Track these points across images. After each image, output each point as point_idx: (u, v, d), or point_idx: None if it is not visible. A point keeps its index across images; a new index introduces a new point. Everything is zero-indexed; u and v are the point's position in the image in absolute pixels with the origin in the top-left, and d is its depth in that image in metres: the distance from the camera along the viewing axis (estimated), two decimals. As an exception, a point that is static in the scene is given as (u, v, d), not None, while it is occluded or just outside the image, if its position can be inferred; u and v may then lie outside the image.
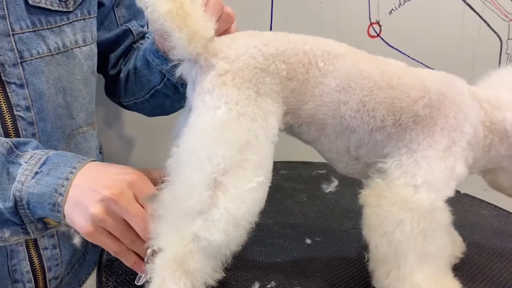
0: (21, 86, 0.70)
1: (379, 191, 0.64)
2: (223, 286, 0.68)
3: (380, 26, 1.25)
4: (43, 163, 0.62)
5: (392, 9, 1.23)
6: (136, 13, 0.90)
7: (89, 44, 0.79)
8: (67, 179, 0.61)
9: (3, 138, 0.64)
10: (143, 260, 0.62)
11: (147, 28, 0.94)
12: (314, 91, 0.64)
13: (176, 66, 0.64)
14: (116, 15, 0.88)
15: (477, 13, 1.25)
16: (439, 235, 0.64)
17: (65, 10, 0.73)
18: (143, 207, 0.60)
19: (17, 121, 0.70)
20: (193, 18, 0.57)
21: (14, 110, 0.70)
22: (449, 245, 0.67)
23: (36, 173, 0.62)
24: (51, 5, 0.71)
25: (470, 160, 0.65)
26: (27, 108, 0.71)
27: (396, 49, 1.26)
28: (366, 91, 0.63)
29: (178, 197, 0.59)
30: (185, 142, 0.60)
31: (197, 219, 0.58)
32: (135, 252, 0.62)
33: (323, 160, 0.74)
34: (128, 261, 0.62)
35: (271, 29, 1.22)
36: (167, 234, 0.59)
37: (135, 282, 0.64)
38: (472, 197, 1.06)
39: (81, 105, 0.79)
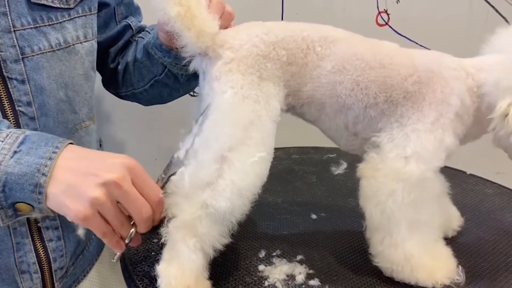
0: (22, 81, 0.71)
1: (374, 164, 0.69)
2: (233, 252, 0.75)
3: (388, 14, 1.29)
4: (21, 142, 0.61)
5: (400, -2, 1.27)
6: (133, 11, 0.95)
7: (90, 40, 0.81)
8: (50, 158, 0.59)
9: None
10: (123, 240, 0.64)
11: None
12: (312, 73, 0.69)
13: (179, 60, 0.72)
14: (116, 13, 0.92)
15: (485, -1, 1.28)
16: (429, 204, 0.69)
17: (66, 7, 0.75)
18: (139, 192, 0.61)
19: (19, 116, 0.71)
20: (199, 18, 0.64)
21: (16, 106, 0.70)
22: (439, 214, 0.72)
23: (15, 152, 0.60)
24: (52, 2, 0.73)
25: (459, 130, 0.68)
26: (28, 104, 0.72)
27: (405, 36, 1.30)
28: (359, 71, 0.68)
29: (190, 172, 0.66)
30: (198, 126, 0.67)
31: (206, 190, 0.64)
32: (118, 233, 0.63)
33: (334, 145, 0.79)
34: (111, 241, 0.63)
35: (282, 20, 1.28)
36: (180, 203, 0.65)
37: (113, 260, 0.65)
38: (478, 177, 1.09)
39: (83, 100, 0.80)
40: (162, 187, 0.66)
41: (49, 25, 0.73)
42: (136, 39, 0.93)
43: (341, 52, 0.69)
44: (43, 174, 0.59)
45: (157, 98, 0.94)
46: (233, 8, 0.73)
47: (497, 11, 1.29)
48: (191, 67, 0.71)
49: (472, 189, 1.04)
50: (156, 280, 0.64)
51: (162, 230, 0.65)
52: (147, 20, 0.98)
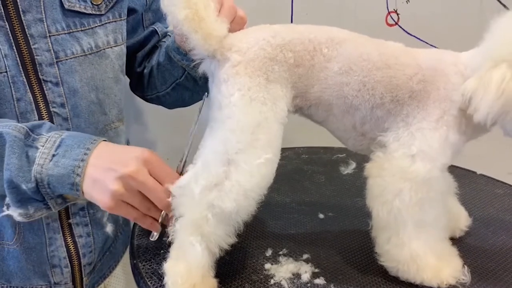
0: (56, 84, 0.76)
1: (380, 163, 0.70)
2: (239, 251, 0.75)
3: (398, 14, 1.28)
4: (58, 146, 0.67)
5: (410, -2, 1.27)
6: (160, 17, 0.97)
7: (119, 45, 0.85)
8: (82, 160, 0.67)
9: (18, 124, 0.69)
10: (157, 221, 0.71)
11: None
12: (319, 75, 0.70)
13: (197, 63, 0.73)
14: (144, 19, 0.95)
15: (496, -2, 1.27)
16: (436, 204, 0.69)
17: (97, 13, 0.79)
18: (158, 181, 0.68)
19: (53, 117, 0.76)
20: (206, 21, 0.65)
21: (50, 107, 0.76)
22: (446, 214, 0.72)
23: (53, 155, 0.67)
24: (85, 8, 0.77)
25: (464, 126, 0.68)
26: (62, 105, 0.77)
27: (415, 36, 1.29)
28: (366, 72, 0.69)
29: (197, 173, 0.67)
30: (208, 129, 0.69)
31: (213, 190, 0.65)
32: (150, 216, 0.71)
33: (343, 145, 0.79)
34: (145, 223, 0.71)
35: (291, 22, 1.29)
36: (187, 203, 0.67)
37: (150, 238, 0.75)
38: (488, 177, 1.09)
39: (113, 102, 0.85)
40: (181, 174, 0.71)
41: (81, 30, 0.77)
42: (161, 44, 0.96)
43: (347, 53, 0.69)
44: (77, 174, 0.66)
45: (179, 101, 0.96)
46: (243, 8, 0.74)
47: (508, 9, 1.28)
48: (200, 70, 0.72)
49: (482, 189, 1.04)
50: (164, 278, 0.65)
51: (170, 229, 0.66)
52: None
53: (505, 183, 1.06)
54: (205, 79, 0.85)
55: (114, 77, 0.84)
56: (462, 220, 0.83)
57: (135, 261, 0.75)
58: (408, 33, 1.29)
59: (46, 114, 0.76)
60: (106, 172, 0.66)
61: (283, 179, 1.05)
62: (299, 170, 1.12)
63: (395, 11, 1.28)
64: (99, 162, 0.67)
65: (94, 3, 0.79)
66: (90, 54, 0.79)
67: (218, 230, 0.65)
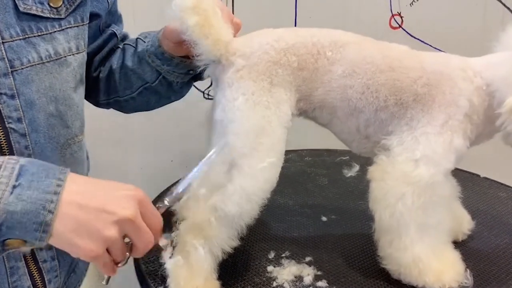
0: (12, 97, 0.66)
1: (383, 167, 0.70)
2: (242, 253, 0.76)
3: (401, 17, 1.29)
4: (19, 174, 0.55)
5: (413, 1, 1.27)
6: (116, 19, 0.92)
7: (81, 52, 0.76)
8: (55, 193, 0.55)
9: None
10: (117, 264, 0.61)
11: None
12: (323, 78, 0.70)
13: (179, 68, 0.72)
14: (101, 22, 0.89)
15: (500, 1, 1.27)
16: (439, 208, 0.69)
17: (57, 17, 0.70)
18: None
19: (9, 133, 0.66)
20: (215, 27, 0.66)
21: (6, 123, 0.65)
22: (449, 218, 0.72)
23: (14, 186, 0.54)
24: (42, 12, 0.69)
25: (468, 131, 0.68)
26: (19, 120, 0.66)
27: (418, 39, 1.29)
28: (370, 75, 0.69)
29: (201, 176, 0.67)
30: (212, 133, 0.69)
31: (216, 194, 0.65)
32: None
33: (347, 148, 0.80)
34: (108, 268, 0.60)
35: (295, 25, 1.29)
36: (190, 206, 0.67)
37: (103, 283, 0.64)
38: (492, 180, 1.09)
39: (75, 113, 0.76)
40: (162, 215, 0.63)
41: (38, 35, 0.68)
42: (120, 46, 0.90)
43: (351, 56, 0.69)
44: (49, 211, 0.54)
45: (143, 105, 0.91)
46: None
47: (512, 12, 1.28)
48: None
49: (485, 192, 1.03)
50: (167, 280, 0.65)
51: (173, 232, 0.67)
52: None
53: (509, 186, 1.06)
54: (180, 84, 0.84)
55: (76, 86, 0.76)
56: (465, 223, 0.83)
57: (138, 263, 0.75)
58: (412, 36, 1.30)
59: (1, 131, 0.65)
60: (97, 213, 0.55)
61: (286, 182, 1.05)
62: (302, 172, 1.12)
63: (399, 14, 1.28)
64: (82, 201, 0.56)
65: (53, 6, 0.70)
66: (48, 62, 0.69)
67: (221, 233, 0.66)
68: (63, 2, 0.71)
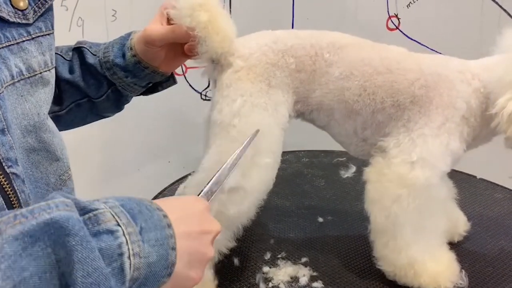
0: (2, 131, 0.49)
1: (379, 169, 0.70)
2: (239, 254, 0.76)
3: (398, 19, 1.29)
4: (133, 217, 0.43)
5: (410, 2, 1.27)
6: None
7: (54, 66, 0.60)
8: (169, 226, 0.45)
9: (60, 197, 0.40)
10: None
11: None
12: (321, 80, 0.70)
13: (143, 79, 0.67)
14: None
15: (496, 2, 1.27)
16: (434, 210, 0.69)
17: (23, 21, 0.53)
18: None
19: (13, 181, 0.49)
20: (224, 24, 0.66)
21: (6, 167, 0.48)
22: (445, 220, 0.72)
23: (140, 233, 0.42)
24: (8, 14, 0.52)
25: (465, 134, 0.68)
26: (16, 161, 0.50)
27: (415, 40, 1.30)
28: (367, 76, 0.69)
29: (198, 178, 0.67)
30: (210, 133, 0.69)
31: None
32: None
33: (344, 149, 0.80)
34: None
35: (292, 26, 1.29)
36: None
37: None
38: (488, 181, 1.09)
39: (61, 140, 0.59)
40: None
41: (6, 46, 0.51)
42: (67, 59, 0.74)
43: (349, 58, 0.70)
44: (173, 248, 0.45)
45: (74, 122, 0.76)
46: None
47: (508, 14, 1.29)
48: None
49: (482, 193, 1.04)
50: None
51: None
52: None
53: (505, 188, 1.06)
54: (130, 98, 0.74)
55: None
56: (461, 224, 0.83)
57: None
58: (409, 37, 1.30)
59: (3, 178, 0.48)
60: (199, 237, 0.49)
61: (283, 183, 1.05)
62: (299, 173, 1.13)
63: (396, 16, 1.29)
64: (186, 227, 0.48)
65: (17, 8, 0.53)
66: (18, 81, 0.52)
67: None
68: (29, 3, 0.54)
